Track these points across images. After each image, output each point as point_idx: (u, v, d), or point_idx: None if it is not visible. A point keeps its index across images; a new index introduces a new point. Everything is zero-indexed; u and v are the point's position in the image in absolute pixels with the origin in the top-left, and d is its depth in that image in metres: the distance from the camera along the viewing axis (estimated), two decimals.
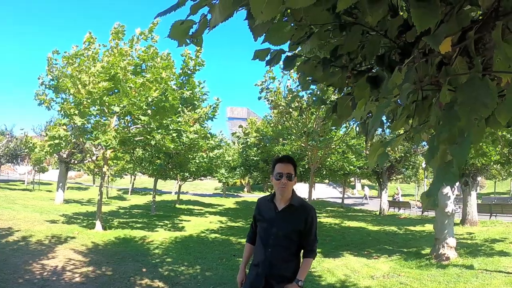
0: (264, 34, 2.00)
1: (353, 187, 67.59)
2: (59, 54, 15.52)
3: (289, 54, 2.55)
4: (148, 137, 14.32)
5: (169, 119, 14.54)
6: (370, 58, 2.28)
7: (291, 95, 14.64)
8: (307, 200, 21.54)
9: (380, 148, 2.06)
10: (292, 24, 2.11)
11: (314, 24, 2.14)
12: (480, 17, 1.92)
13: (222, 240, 14.08)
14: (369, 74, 2.30)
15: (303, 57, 2.61)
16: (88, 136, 14.42)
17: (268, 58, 2.44)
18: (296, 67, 2.74)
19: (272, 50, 2.42)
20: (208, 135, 19.46)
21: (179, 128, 14.99)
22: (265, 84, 15.45)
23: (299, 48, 2.47)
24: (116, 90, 14.31)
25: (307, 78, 2.77)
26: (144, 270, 9.27)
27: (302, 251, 3.61)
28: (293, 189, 3.56)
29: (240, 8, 1.82)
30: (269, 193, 3.81)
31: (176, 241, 13.64)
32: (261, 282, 3.45)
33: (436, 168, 1.66)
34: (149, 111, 13.38)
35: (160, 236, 14.61)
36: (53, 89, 15.31)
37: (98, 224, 14.73)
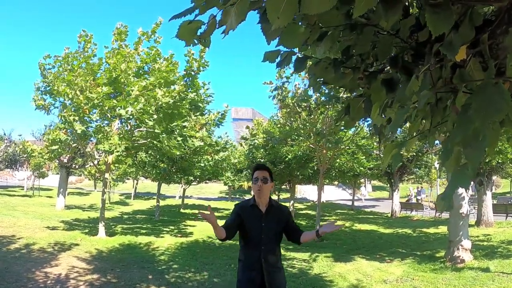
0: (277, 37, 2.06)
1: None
2: (51, 57, 15.47)
3: (300, 55, 2.59)
4: (154, 142, 14.34)
5: (175, 123, 14.55)
6: (382, 59, 2.32)
7: (299, 95, 14.65)
8: (316, 202, 21.52)
9: (394, 149, 2.10)
10: (301, 23, 2.15)
11: (327, 27, 2.18)
12: (493, 14, 1.96)
13: (230, 245, 14.11)
14: (383, 77, 2.34)
15: (313, 58, 2.65)
16: (91, 140, 14.47)
17: (278, 59, 2.49)
18: (307, 68, 2.79)
19: (282, 52, 2.47)
20: (214, 143, 19.48)
21: (184, 133, 15.01)
22: (279, 82, 15.40)
23: (310, 46, 2.52)
24: (117, 93, 14.34)
25: (318, 80, 2.82)
26: (150, 277, 9.32)
27: (292, 238, 4.30)
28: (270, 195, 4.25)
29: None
30: (248, 198, 4.40)
31: (182, 247, 13.70)
32: (258, 279, 4.01)
33: (451, 170, 1.71)
34: (155, 116, 13.39)
35: (165, 242, 14.68)
36: (49, 94, 15.29)
37: (101, 230, 14.79)
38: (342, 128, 14.97)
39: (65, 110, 13.75)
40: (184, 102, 14.28)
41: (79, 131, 13.30)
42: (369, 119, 3.10)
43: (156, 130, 13.57)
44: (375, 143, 20.61)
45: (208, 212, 3.71)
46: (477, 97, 1.54)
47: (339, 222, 4.00)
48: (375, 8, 1.75)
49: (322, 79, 2.77)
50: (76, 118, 13.38)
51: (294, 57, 2.56)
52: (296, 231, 4.26)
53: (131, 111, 13.03)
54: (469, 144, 1.56)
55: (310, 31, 2.16)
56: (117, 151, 13.44)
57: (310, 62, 2.72)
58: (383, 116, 2.43)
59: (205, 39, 2.11)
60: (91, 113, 13.84)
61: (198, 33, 2.04)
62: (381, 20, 1.95)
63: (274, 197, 35.64)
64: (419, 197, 36.30)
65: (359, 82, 2.59)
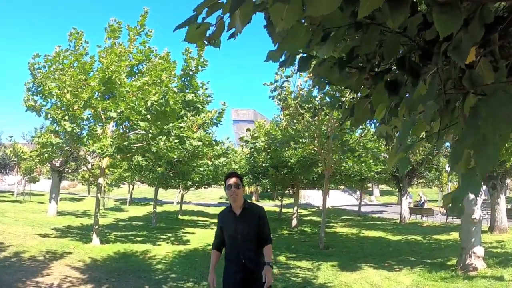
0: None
1: (371, 193, 67.16)
2: (40, 57, 15.39)
3: (304, 55, 2.61)
4: (152, 143, 14.27)
5: (171, 124, 14.51)
6: (388, 59, 2.33)
7: (302, 96, 14.63)
8: (320, 207, 21.46)
9: (400, 152, 2.11)
10: (304, 22, 2.17)
11: (331, 28, 2.20)
12: (504, 11, 1.97)
13: None
14: (387, 79, 2.35)
15: (318, 58, 2.66)
16: (83, 143, 14.42)
17: (282, 59, 2.51)
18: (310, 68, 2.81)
19: (285, 51, 2.48)
20: (213, 142, 19.39)
21: (181, 134, 14.97)
22: (278, 82, 15.36)
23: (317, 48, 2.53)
24: (112, 94, 14.33)
25: (322, 80, 2.83)
26: (146, 287, 9.33)
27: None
28: (244, 198, 5.03)
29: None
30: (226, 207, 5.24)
31: (180, 256, 13.70)
32: (239, 273, 4.85)
33: (460, 176, 1.72)
34: (148, 116, 13.38)
35: (162, 250, 14.68)
36: (40, 95, 15.21)
37: (95, 237, 14.78)
38: (348, 130, 14.95)
39: (51, 108, 13.73)
40: (175, 94, 14.19)
41: (68, 129, 13.21)
42: (375, 121, 3.11)
43: (151, 131, 13.55)
44: (382, 146, 20.59)
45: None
46: (486, 104, 1.56)
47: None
48: (381, 6, 1.76)
49: (326, 79, 2.78)
50: (66, 117, 13.34)
51: (298, 57, 2.58)
52: (262, 238, 4.93)
53: (121, 111, 13.03)
54: (479, 150, 1.58)
55: (312, 34, 2.17)
56: (109, 152, 13.40)
57: (314, 62, 2.74)
58: (389, 120, 2.44)
59: (215, 40, 2.14)
60: (83, 113, 13.79)
61: (207, 35, 2.07)
62: (387, 20, 1.96)
63: (277, 202, 35.65)
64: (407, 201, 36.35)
65: (365, 83, 2.60)
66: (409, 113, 2.14)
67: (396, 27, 1.99)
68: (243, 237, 4.84)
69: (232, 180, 4.90)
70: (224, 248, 5.14)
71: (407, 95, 2.29)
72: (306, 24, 2.14)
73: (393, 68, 2.53)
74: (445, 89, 1.93)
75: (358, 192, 51.93)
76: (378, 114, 2.40)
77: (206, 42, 2.14)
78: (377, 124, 3.05)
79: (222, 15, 1.94)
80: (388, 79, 2.36)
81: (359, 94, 3.00)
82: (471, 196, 10.74)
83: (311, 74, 12.38)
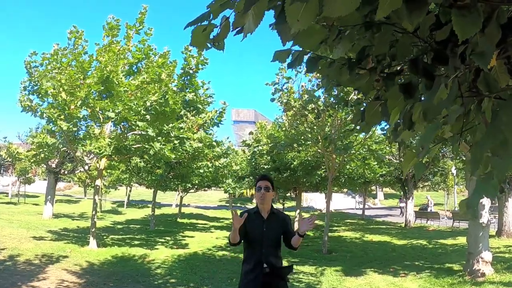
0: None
1: (375, 196, 67.18)
2: (37, 55, 15.33)
3: (312, 55, 2.60)
4: (147, 146, 14.23)
5: (170, 125, 14.47)
6: (400, 60, 2.33)
7: (306, 96, 14.58)
8: (324, 211, 21.44)
9: (415, 157, 2.11)
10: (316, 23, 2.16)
11: (344, 26, 2.19)
12: None
13: (231, 258, 14.10)
14: (401, 82, 2.34)
15: (326, 59, 2.65)
16: (81, 144, 14.38)
17: (289, 60, 2.50)
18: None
19: (293, 51, 2.48)
20: (214, 143, 19.33)
21: (181, 135, 14.92)
22: (279, 84, 15.31)
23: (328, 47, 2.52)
24: (110, 93, 14.30)
25: (331, 81, 2.83)
26: None
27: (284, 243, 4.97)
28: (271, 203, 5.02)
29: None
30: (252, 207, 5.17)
31: (179, 260, 13.69)
32: (258, 280, 4.66)
33: (476, 180, 1.72)
34: (147, 117, 13.35)
35: (161, 254, 14.66)
36: (37, 94, 15.16)
37: (92, 241, 14.76)
38: (356, 133, 14.93)
39: (47, 107, 13.70)
40: (175, 94, 14.15)
41: (64, 128, 13.17)
42: (381, 122, 3.11)
43: (150, 133, 13.51)
44: (387, 148, 20.57)
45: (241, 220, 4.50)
46: (506, 110, 1.55)
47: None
48: (400, 11, 1.76)
49: (335, 80, 2.77)
50: (62, 116, 13.31)
51: (305, 57, 2.57)
52: (292, 235, 4.90)
53: (118, 112, 13.01)
54: (496, 153, 1.58)
55: (328, 31, 2.16)
56: (107, 153, 13.36)
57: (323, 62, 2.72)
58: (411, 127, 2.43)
59: (219, 42, 2.13)
60: (80, 112, 13.75)
61: (211, 37, 2.06)
62: (402, 21, 1.96)
63: (279, 205, 35.72)
64: (402, 205, 36.36)
65: (375, 85, 2.60)
66: (425, 118, 2.12)
67: (413, 28, 1.99)
68: (268, 241, 4.82)
69: (263, 183, 4.92)
70: (243, 253, 5.02)
71: (421, 97, 2.29)
72: (318, 24, 2.13)
73: (404, 69, 2.53)
74: (461, 92, 1.93)
75: (357, 196, 52.01)
76: (393, 118, 2.39)
77: (209, 45, 2.12)
78: (380, 126, 3.05)
79: (228, 16, 1.93)
80: (402, 82, 2.35)
81: (366, 96, 3.00)
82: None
83: (316, 74, 12.39)
